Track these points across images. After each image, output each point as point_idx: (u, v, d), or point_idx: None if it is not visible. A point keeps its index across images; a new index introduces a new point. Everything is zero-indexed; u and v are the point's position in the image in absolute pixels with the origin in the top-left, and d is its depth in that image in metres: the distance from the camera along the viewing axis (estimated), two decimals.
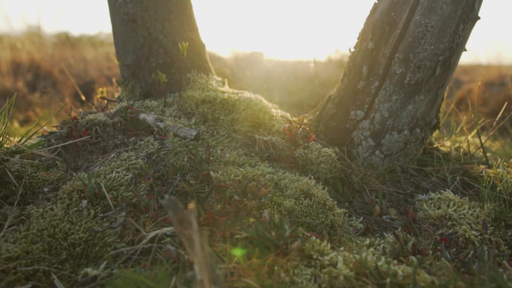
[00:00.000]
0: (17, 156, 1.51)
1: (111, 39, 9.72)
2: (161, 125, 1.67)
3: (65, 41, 7.64)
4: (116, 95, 2.18)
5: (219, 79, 2.16)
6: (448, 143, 2.28)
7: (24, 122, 3.75)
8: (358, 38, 1.91)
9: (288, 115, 2.08)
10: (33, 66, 5.20)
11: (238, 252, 1.12)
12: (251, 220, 1.28)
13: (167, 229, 1.09)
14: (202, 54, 2.10)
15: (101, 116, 1.77)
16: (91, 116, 1.76)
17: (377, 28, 1.79)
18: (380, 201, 1.54)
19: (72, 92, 5.50)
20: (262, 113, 1.81)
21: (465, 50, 1.80)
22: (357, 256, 1.11)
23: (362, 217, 1.46)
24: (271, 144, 1.68)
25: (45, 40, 6.61)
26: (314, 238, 1.19)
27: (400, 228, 1.43)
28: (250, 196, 1.34)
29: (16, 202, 1.38)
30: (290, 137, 1.69)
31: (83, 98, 2.81)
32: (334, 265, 1.09)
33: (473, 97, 6.39)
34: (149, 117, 1.71)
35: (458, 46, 1.70)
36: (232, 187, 1.36)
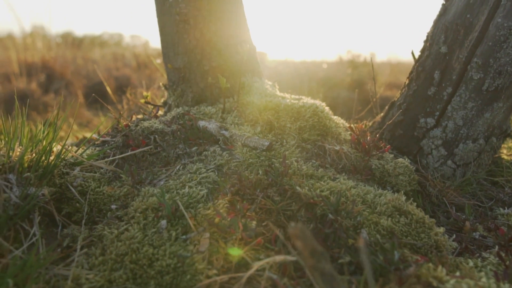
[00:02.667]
0: (77, 168, 1.38)
1: (115, 39, 9.51)
2: (227, 134, 1.55)
3: (70, 41, 7.44)
4: (162, 100, 2.05)
5: (270, 83, 2.04)
6: (505, 151, 2.18)
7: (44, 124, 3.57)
8: (425, 42, 1.81)
9: (344, 121, 1.96)
10: (45, 67, 5.01)
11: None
12: (350, 241, 1.16)
13: (280, 258, 0.97)
14: (254, 57, 1.98)
15: (157, 124, 1.64)
16: (146, 124, 1.63)
17: (450, 31, 1.68)
18: (468, 215, 1.44)
19: (83, 92, 5.32)
20: (328, 121, 1.69)
21: None
22: (481, 284, 1.00)
23: (454, 235, 1.35)
24: (343, 155, 1.57)
25: (50, 41, 6.41)
26: (426, 262, 1.08)
27: (497, 247, 1.33)
28: (344, 214, 1.22)
29: (83, 221, 1.24)
30: (364, 146, 1.58)
31: (114, 100, 2.67)
32: None
33: None
34: (211, 125, 1.59)
35: None
36: (323, 204, 1.25)
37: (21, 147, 1.35)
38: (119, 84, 6.31)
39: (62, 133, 3.29)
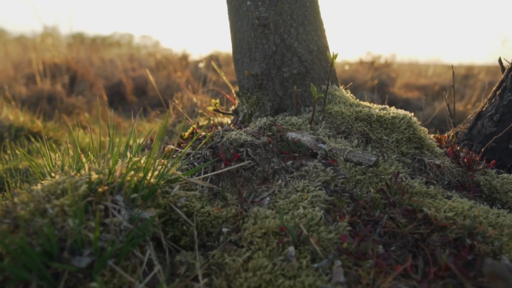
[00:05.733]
0: (176, 186, 1.27)
1: (125, 40, 9.35)
2: (324, 147, 1.45)
3: (83, 42, 7.29)
4: (232, 108, 1.95)
5: (343, 89, 1.94)
6: None
7: (76, 127, 3.43)
8: None
9: None
10: (68, 68, 4.87)
11: None
12: None
13: None
14: (333, 64, 1.88)
15: (244, 135, 1.53)
16: (234, 136, 1.52)
17: None
18: None
19: (100, 93, 5.18)
20: (423, 133, 1.60)
21: None
22: None
23: None
24: (446, 169, 1.48)
25: (67, 42, 6.26)
26: None
27: None
28: (480, 238, 1.13)
29: (196, 247, 1.14)
30: (468, 161, 1.49)
31: (163, 106, 2.56)
32: None
33: None
34: (305, 137, 1.49)
35: None
36: (455, 227, 1.15)
37: (118, 163, 1.24)
38: (136, 84, 6.18)
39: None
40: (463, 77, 6.49)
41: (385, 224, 1.19)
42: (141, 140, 2.44)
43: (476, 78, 7.03)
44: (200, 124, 2.14)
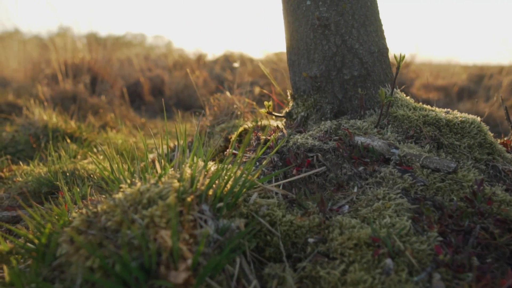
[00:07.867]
0: (255, 194, 1.22)
1: (138, 40, 9.31)
2: (398, 152, 1.40)
3: (97, 42, 7.24)
4: (285, 110, 1.90)
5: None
6: None
7: (104, 127, 3.39)
8: None
9: None
10: (90, 68, 4.84)
11: None
12: None
13: None
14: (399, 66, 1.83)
15: (310, 140, 1.49)
16: (300, 140, 1.48)
17: None
18: None
19: (122, 93, 5.14)
20: (492, 138, 1.55)
21: None
22: None
23: None
24: None
25: (76, 41, 6.22)
26: None
27: None
28: None
29: (285, 258, 1.09)
30: None
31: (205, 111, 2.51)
32: None
33: None
34: (375, 142, 1.44)
35: None
36: None
37: (204, 171, 1.20)
38: (153, 84, 6.14)
39: (123, 137, 3.12)
40: (479, 77, 6.41)
41: (478, 235, 1.14)
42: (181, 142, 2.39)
43: (494, 78, 6.95)
44: (247, 126, 2.10)
